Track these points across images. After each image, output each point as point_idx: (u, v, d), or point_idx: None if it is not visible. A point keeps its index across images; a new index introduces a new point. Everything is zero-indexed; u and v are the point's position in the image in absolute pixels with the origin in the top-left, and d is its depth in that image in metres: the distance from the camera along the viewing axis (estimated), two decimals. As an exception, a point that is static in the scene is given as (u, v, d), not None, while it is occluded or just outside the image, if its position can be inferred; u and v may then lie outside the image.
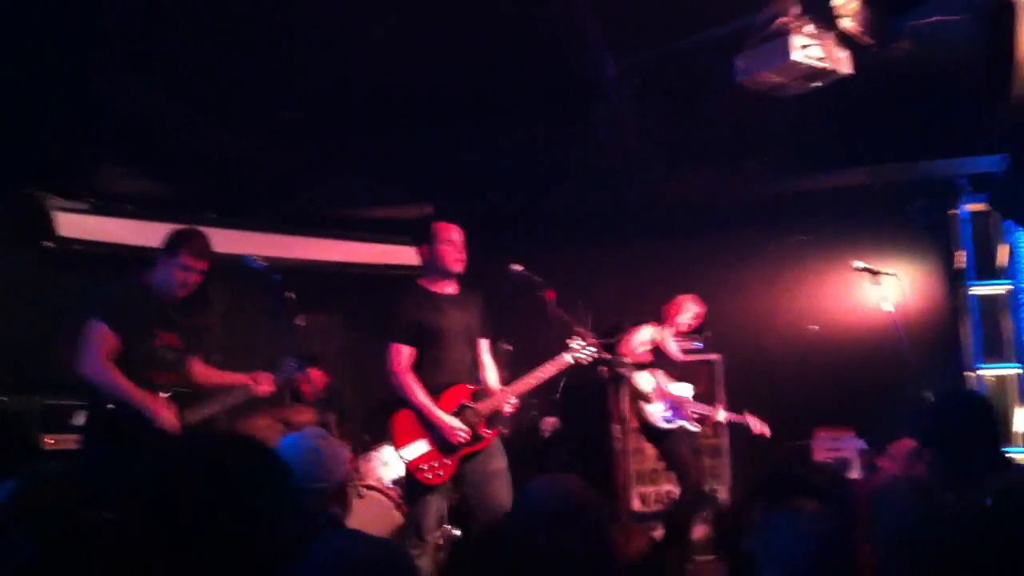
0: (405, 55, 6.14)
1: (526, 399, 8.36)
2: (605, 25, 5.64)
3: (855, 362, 7.80)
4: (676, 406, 7.30)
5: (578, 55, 5.96)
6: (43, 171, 6.82)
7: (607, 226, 8.88)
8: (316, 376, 7.36)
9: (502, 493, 5.61)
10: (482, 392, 5.74)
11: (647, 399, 7.29)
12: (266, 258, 5.41)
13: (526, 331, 7.28)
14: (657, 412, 7.29)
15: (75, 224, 6.98)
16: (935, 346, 7.83)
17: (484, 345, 5.95)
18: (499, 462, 5.71)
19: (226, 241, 7.85)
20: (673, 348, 7.50)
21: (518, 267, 5.95)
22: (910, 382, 6.22)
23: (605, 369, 6.51)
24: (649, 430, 7.41)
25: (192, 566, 2.28)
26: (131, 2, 5.25)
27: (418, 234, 5.89)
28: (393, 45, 5.97)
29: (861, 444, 7.93)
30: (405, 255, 8.65)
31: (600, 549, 2.92)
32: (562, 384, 7.95)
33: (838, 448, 8.02)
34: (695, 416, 7.36)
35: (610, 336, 7.66)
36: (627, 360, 6.97)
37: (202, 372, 5.49)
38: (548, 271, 6.08)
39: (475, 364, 5.87)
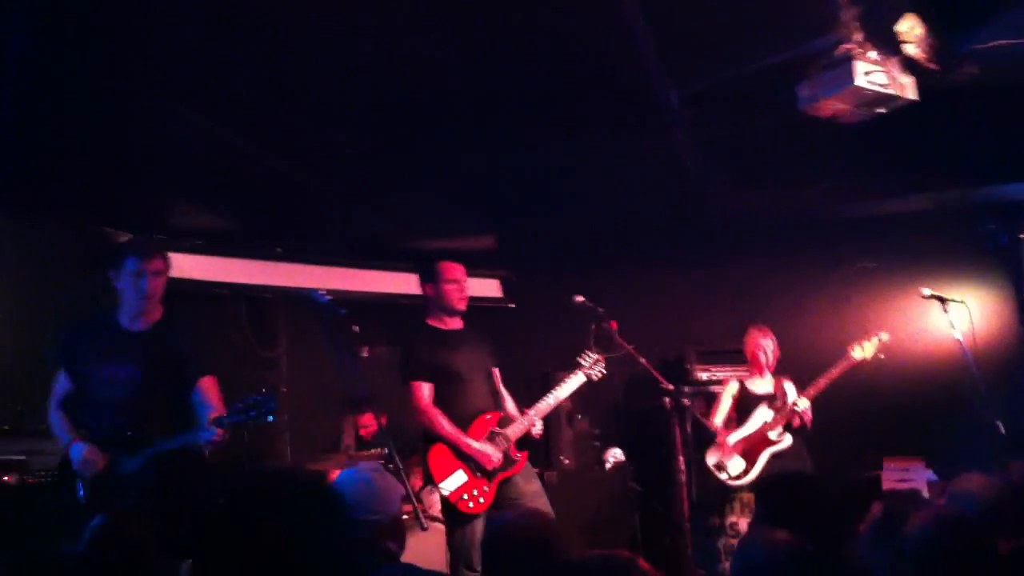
0: (466, 85, 6.21)
1: (589, 431, 8.40)
2: (668, 50, 5.66)
3: (924, 390, 7.67)
4: (746, 454, 7.01)
5: (639, 81, 5.99)
6: (117, 208, 6.95)
7: (669, 252, 8.84)
8: (371, 419, 7.43)
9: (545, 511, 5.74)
10: (506, 419, 5.95)
11: (715, 472, 7.10)
12: (331, 291, 5.39)
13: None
14: (727, 475, 7.06)
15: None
16: (1006, 373, 7.66)
17: (496, 374, 6.14)
18: (535, 483, 5.94)
19: (293, 275, 8.00)
20: (757, 386, 7.27)
21: (580, 298, 6.07)
22: (981, 410, 6.12)
23: (668, 400, 6.52)
24: None
25: None
26: (197, 44, 5.35)
27: (422, 273, 6.06)
28: (454, 75, 6.05)
29: (930, 474, 7.78)
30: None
31: None
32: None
33: (907, 479, 7.85)
34: (778, 437, 7.01)
35: (675, 365, 7.60)
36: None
37: (206, 392, 4.93)
38: (609, 298, 6.12)
39: (493, 393, 6.06)
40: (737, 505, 7.85)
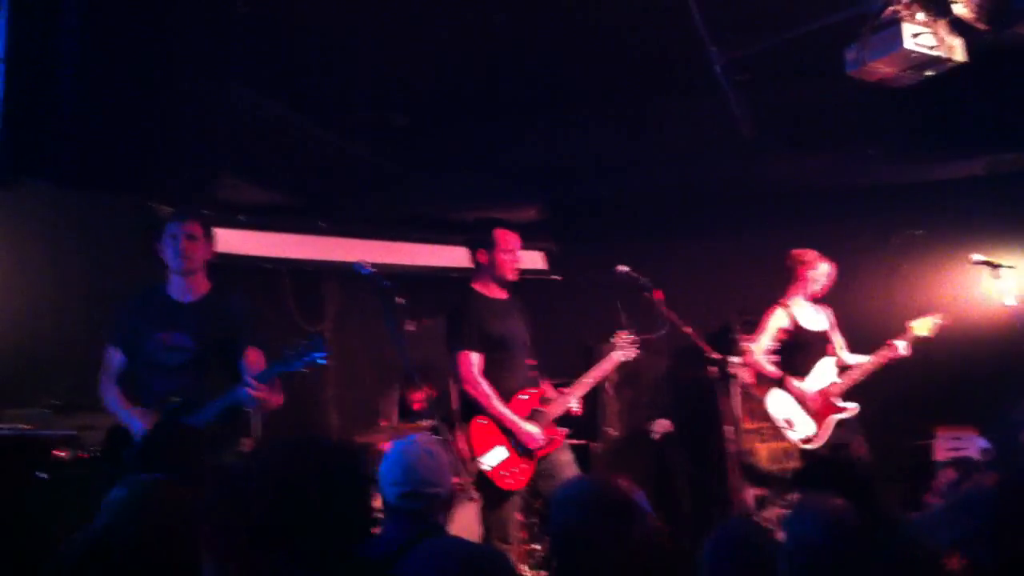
0: (508, 54, 6.21)
1: (636, 401, 8.39)
2: (714, 13, 5.59)
3: (977, 359, 7.55)
4: (817, 412, 6.78)
5: (687, 46, 5.92)
6: (161, 183, 7.02)
7: (715, 220, 8.78)
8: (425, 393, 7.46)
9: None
10: (546, 397, 5.91)
11: (784, 428, 6.85)
12: (376, 265, 5.39)
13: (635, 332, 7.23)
14: (798, 436, 6.83)
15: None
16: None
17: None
18: (567, 453, 5.89)
19: (337, 249, 8.03)
20: (809, 318, 6.98)
21: (624, 268, 6.02)
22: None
23: (715, 369, 6.47)
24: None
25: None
26: (242, 15, 5.38)
27: (475, 238, 6.00)
28: (497, 44, 6.04)
29: (984, 443, 7.69)
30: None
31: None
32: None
33: (960, 447, 7.78)
34: (845, 404, 6.80)
35: (720, 335, 7.52)
36: (759, 367, 6.85)
37: (250, 363, 4.93)
38: (655, 268, 6.08)
39: (533, 369, 6.00)
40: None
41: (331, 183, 7.81)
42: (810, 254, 7.02)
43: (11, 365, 6.35)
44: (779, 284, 7.12)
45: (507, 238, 5.88)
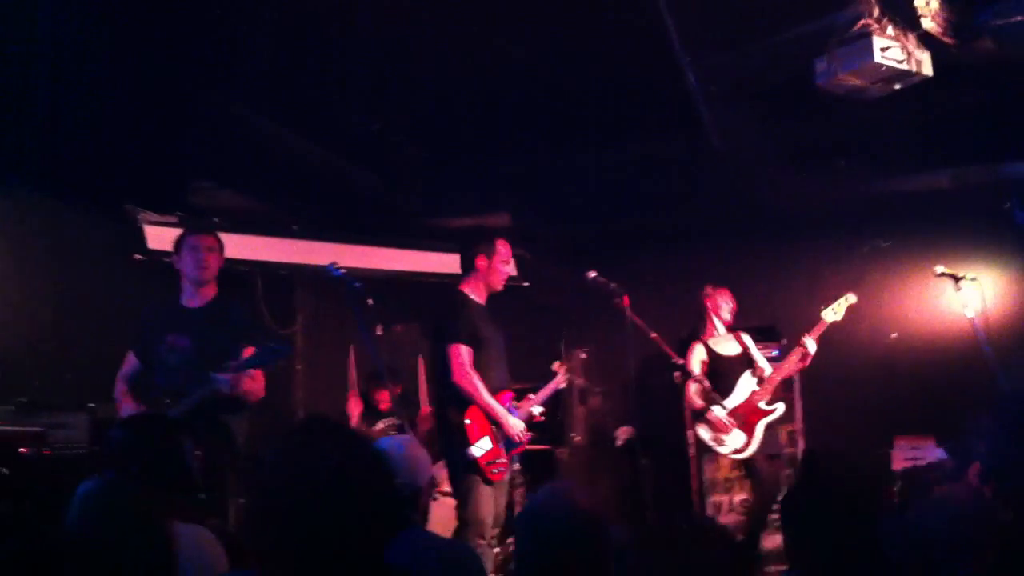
0: (487, 69, 6.26)
1: (601, 407, 8.45)
2: (685, 26, 5.67)
3: (937, 369, 7.66)
4: (743, 426, 6.85)
5: (658, 59, 6.00)
6: (136, 187, 7.08)
7: (687, 226, 8.86)
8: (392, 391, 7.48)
9: (503, 501, 5.93)
10: (518, 398, 6.00)
11: (715, 446, 6.92)
12: (347, 268, 5.43)
13: (602, 338, 7.29)
14: (728, 449, 6.90)
15: (164, 237, 7.08)
16: (1020, 352, 7.67)
17: None
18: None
19: (308, 252, 8.04)
20: (724, 346, 7.14)
21: (593, 273, 6.09)
22: (993, 389, 6.12)
23: (678, 374, 6.53)
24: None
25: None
26: (220, 25, 5.43)
27: (470, 242, 6.02)
28: (476, 59, 6.10)
29: (941, 453, 7.80)
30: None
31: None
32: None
33: (918, 456, 7.88)
34: (770, 407, 6.92)
35: (687, 341, 7.59)
36: (691, 403, 6.99)
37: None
38: (625, 277, 6.13)
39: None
40: (738, 483, 7.83)
41: (304, 189, 7.83)
42: (709, 290, 7.20)
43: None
44: (750, 294, 7.22)
45: (507, 249, 5.98)
